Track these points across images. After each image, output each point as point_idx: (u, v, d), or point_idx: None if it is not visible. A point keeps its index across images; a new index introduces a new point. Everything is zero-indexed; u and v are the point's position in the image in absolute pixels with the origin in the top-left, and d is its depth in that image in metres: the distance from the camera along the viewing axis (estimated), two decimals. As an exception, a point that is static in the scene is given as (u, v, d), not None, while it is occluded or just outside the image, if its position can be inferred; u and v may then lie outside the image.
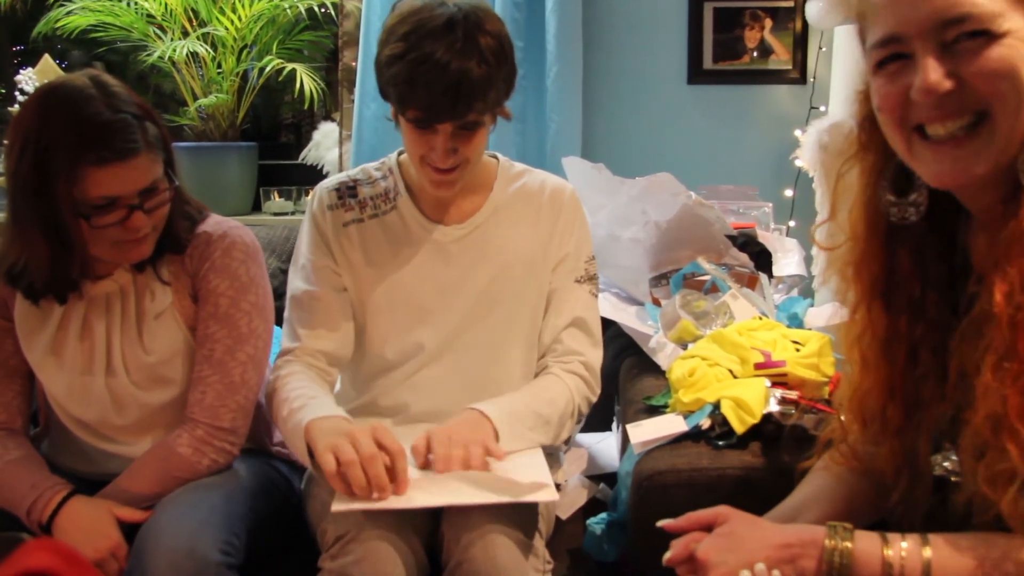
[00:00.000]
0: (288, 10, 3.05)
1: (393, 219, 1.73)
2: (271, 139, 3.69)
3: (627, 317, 2.14)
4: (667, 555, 1.18)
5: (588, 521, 1.66)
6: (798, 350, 1.67)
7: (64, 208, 1.49)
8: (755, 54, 2.93)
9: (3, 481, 1.60)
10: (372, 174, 1.77)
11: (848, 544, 1.07)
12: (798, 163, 2.68)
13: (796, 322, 1.98)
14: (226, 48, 3.01)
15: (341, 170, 2.93)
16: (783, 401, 1.55)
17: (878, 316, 1.17)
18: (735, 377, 1.64)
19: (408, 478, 1.42)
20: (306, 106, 3.12)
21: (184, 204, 1.67)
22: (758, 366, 1.63)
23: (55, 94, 1.50)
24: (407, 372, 1.72)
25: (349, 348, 1.74)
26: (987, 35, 0.97)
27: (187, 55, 2.97)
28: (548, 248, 1.74)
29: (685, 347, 1.83)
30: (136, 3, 3.03)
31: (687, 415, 1.59)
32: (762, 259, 2.23)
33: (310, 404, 1.55)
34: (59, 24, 3.04)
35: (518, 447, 1.56)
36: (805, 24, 2.86)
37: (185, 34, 3.03)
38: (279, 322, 1.78)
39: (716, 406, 1.55)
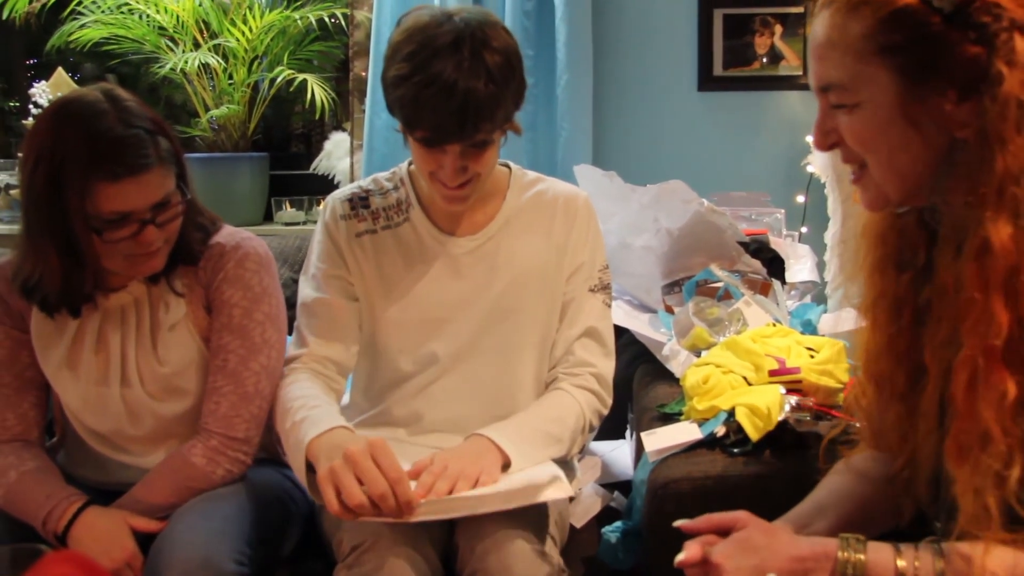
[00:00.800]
0: (299, 21, 3.07)
1: (406, 231, 1.72)
2: (282, 149, 3.70)
3: (640, 325, 2.14)
4: (680, 556, 1.18)
5: (603, 529, 1.65)
6: (812, 357, 1.66)
7: (77, 223, 1.49)
8: (765, 60, 2.92)
9: (19, 492, 1.61)
10: (384, 184, 1.77)
11: (861, 556, 1.07)
12: (810, 169, 2.67)
13: (810, 328, 1.98)
14: (237, 59, 3.03)
15: (352, 180, 2.94)
16: (798, 408, 1.54)
17: (890, 280, 1.20)
18: (749, 384, 1.63)
19: (413, 503, 1.39)
20: (317, 116, 3.14)
21: (197, 216, 1.68)
22: (772, 373, 1.63)
23: (68, 109, 1.51)
24: (421, 383, 1.71)
25: (355, 358, 1.73)
26: (845, 107, 1.10)
27: (198, 66, 2.99)
28: (562, 257, 1.73)
29: (699, 354, 1.83)
30: (148, 16, 3.05)
31: (701, 423, 1.59)
32: (775, 265, 2.22)
33: (310, 417, 1.52)
34: (72, 37, 3.06)
35: (531, 466, 1.54)
36: (816, 30, 2.85)
37: (196, 46, 3.05)
38: (292, 332, 1.78)
39: (731, 413, 1.54)
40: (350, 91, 3.00)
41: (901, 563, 1.05)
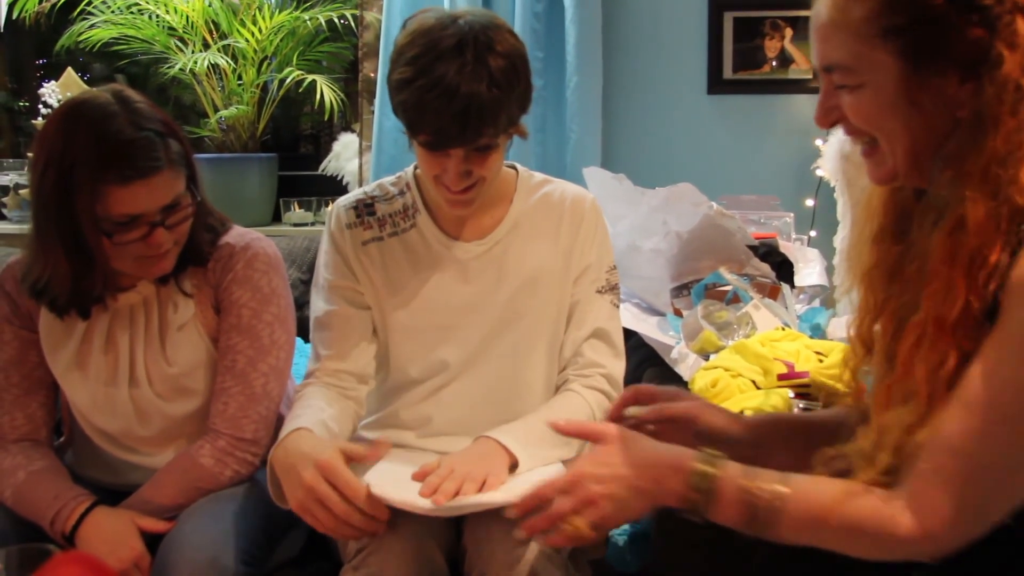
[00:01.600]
0: (308, 22, 3.07)
1: (413, 237, 1.71)
2: (291, 150, 3.70)
3: (649, 328, 2.13)
4: (513, 510, 1.23)
5: (611, 532, 1.65)
6: (821, 361, 1.66)
7: (86, 225, 1.49)
8: (775, 64, 2.92)
9: (27, 491, 1.61)
10: (389, 190, 1.75)
11: (713, 471, 1.11)
12: (819, 173, 2.67)
13: (818, 332, 1.98)
14: (246, 60, 3.03)
15: (361, 180, 2.94)
16: (807, 412, 1.54)
17: (885, 250, 1.22)
18: (758, 388, 1.63)
19: (380, 516, 1.41)
20: (326, 117, 3.13)
21: (207, 216, 1.68)
22: (781, 377, 1.63)
23: (78, 111, 1.51)
24: (430, 388, 1.70)
25: (373, 363, 1.72)
26: (847, 87, 1.11)
27: (208, 67, 2.99)
28: (570, 259, 1.73)
29: (707, 358, 1.82)
30: (158, 16, 3.05)
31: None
32: (784, 269, 2.22)
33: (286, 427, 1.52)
34: (82, 37, 3.06)
35: (539, 466, 1.54)
36: (826, 33, 2.85)
37: (206, 46, 3.06)
38: (301, 333, 1.78)
39: (739, 417, 1.54)
40: (359, 92, 3.00)
41: (744, 482, 1.10)
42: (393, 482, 1.44)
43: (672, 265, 2.17)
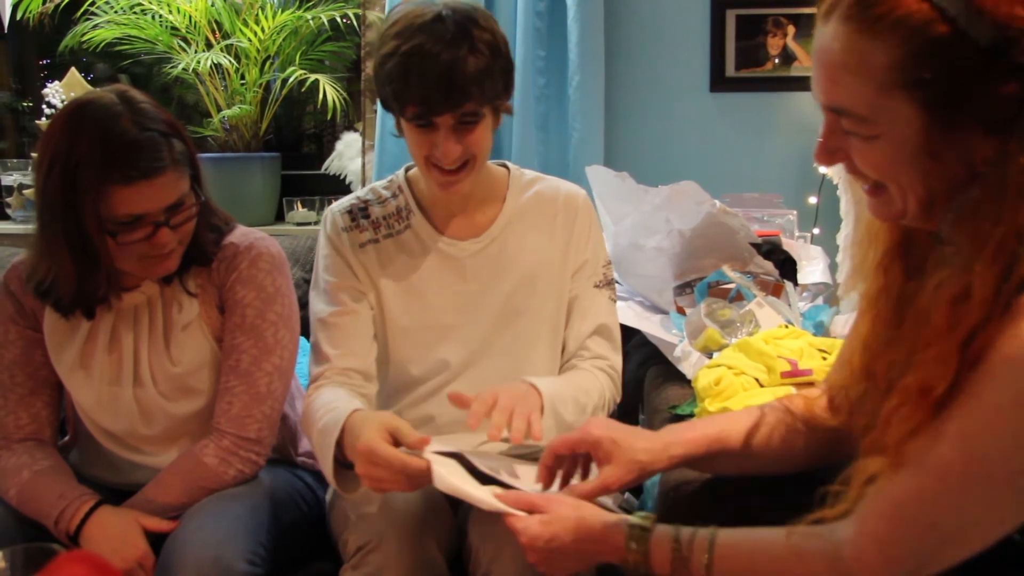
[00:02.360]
0: (311, 21, 3.07)
1: (408, 238, 1.72)
2: (294, 149, 3.71)
3: (651, 326, 2.13)
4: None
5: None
6: (825, 359, 1.66)
7: (91, 225, 1.50)
8: (778, 61, 2.92)
9: (31, 491, 1.61)
10: (382, 193, 1.76)
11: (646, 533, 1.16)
12: (822, 170, 2.66)
13: (822, 330, 1.97)
14: (249, 59, 3.03)
15: (364, 180, 2.95)
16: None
17: (893, 277, 1.18)
18: (761, 386, 1.63)
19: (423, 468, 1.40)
20: (329, 116, 3.14)
21: (211, 216, 1.68)
22: (785, 375, 1.62)
23: (83, 111, 1.51)
24: (432, 388, 1.71)
25: (375, 366, 1.72)
26: (859, 136, 1.03)
27: (211, 67, 2.99)
28: (566, 254, 1.74)
29: (710, 356, 1.82)
30: (161, 16, 3.06)
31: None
32: (787, 267, 2.22)
33: (332, 415, 1.50)
34: (85, 38, 3.07)
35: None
36: (828, 31, 2.84)
37: (209, 46, 3.06)
38: (304, 332, 1.78)
39: (743, 415, 1.53)
40: (362, 91, 3.00)
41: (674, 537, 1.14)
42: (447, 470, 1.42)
43: (675, 263, 2.17)
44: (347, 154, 3.12)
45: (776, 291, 2.06)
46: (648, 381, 2.04)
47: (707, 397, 1.62)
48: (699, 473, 1.46)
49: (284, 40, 3.09)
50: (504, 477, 1.39)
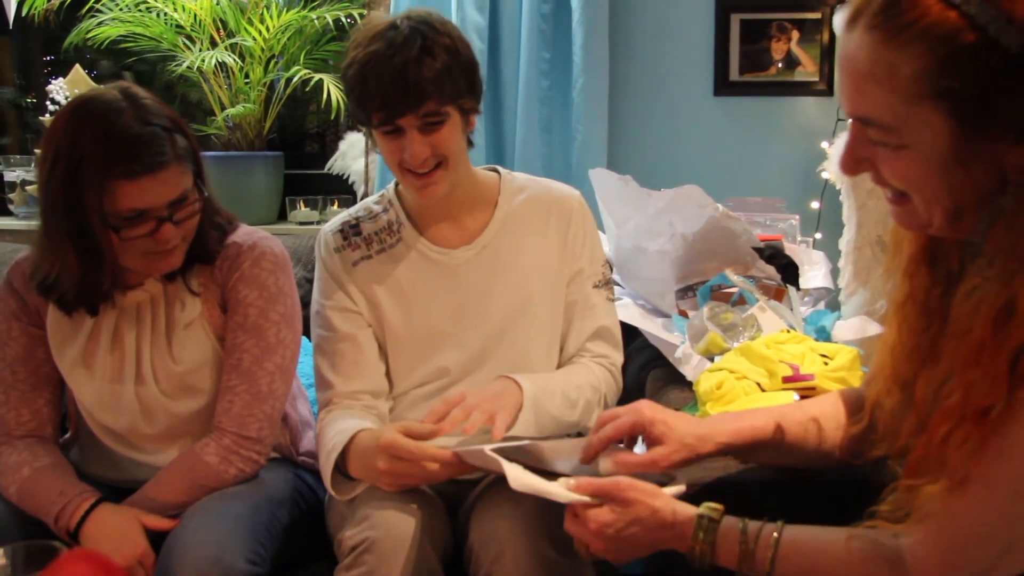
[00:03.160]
0: (315, 21, 3.07)
1: (400, 251, 1.73)
2: (297, 149, 3.71)
3: (653, 327, 2.13)
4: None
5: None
6: (826, 363, 1.66)
7: (94, 220, 1.50)
8: (782, 66, 2.92)
9: (32, 488, 1.62)
10: (373, 208, 1.77)
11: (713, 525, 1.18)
12: (825, 175, 2.67)
13: (824, 335, 1.97)
14: (254, 58, 3.03)
15: (367, 180, 2.95)
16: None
17: (921, 282, 1.17)
18: (763, 390, 1.63)
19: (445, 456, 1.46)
20: (332, 116, 3.13)
21: (214, 215, 1.68)
22: (786, 379, 1.62)
23: (86, 107, 1.51)
24: (432, 392, 1.72)
25: (386, 381, 1.74)
26: (887, 146, 1.02)
27: (215, 65, 2.99)
28: (562, 257, 1.75)
29: (712, 359, 1.82)
30: (166, 14, 3.06)
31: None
32: (789, 271, 2.22)
33: (336, 444, 1.56)
34: (90, 35, 3.07)
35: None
36: (832, 36, 2.85)
37: (213, 44, 3.06)
38: (306, 332, 1.78)
39: (744, 420, 1.53)
40: (365, 92, 2.99)
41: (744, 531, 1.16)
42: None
43: (678, 267, 2.17)
44: (350, 154, 3.12)
45: (778, 295, 2.06)
46: (649, 384, 2.04)
47: (708, 401, 1.62)
48: (700, 476, 1.47)
49: (288, 39, 3.09)
50: (555, 464, 1.42)
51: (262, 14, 3.00)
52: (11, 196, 3.29)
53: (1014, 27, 0.93)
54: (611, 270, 1.90)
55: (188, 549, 1.47)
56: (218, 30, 3.08)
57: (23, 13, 3.13)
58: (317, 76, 3.00)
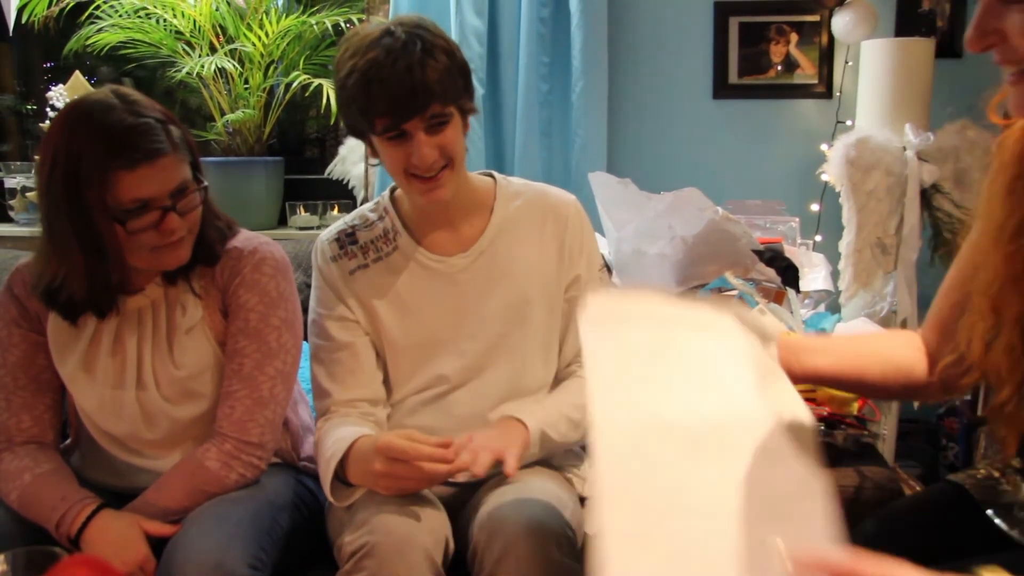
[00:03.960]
0: (315, 26, 3.07)
1: (397, 259, 1.73)
2: (297, 154, 3.71)
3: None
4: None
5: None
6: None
7: (98, 216, 1.50)
8: (781, 68, 2.92)
9: (33, 494, 1.61)
10: (368, 217, 1.77)
11: None
12: (824, 178, 2.67)
13: (824, 338, 1.97)
14: (253, 64, 3.04)
15: (367, 184, 2.95)
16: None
17: (1019, 202, 1.12)
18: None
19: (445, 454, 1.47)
20: (332, 121, 3.14)
21: (214, 219, 1.68)
22: (786, 382, 1.62)
23: (78, 109, 1.52)
24: (430, 399, 1.72)
25: (383, 389, 1.74)
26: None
27: (215, 71, 3.00)
28: (559, 263, 1.74)
29: (712, 362, 1.82)
30: (165, 20, 3.06)
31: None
32: (789, 274, 2.22)
33: (335, 453, 1.57)
34: (90, 41, 3.07)
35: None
36: (831, 38, 2.85)
37: (213, 50, 3.06)
38: (307, 337, 1.78)
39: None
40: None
41: None
42: None
43: (678, 270, 2.17)
44: (350, 159, 3.12)
45: (778, 298, 2.06)
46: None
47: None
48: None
49: (288, 45, 3.09)
50: None
51: (261, 20, 3.01)
52: (11, 202, 3.29)
53: None
54: (609, 274, 1.90)
55: (189, 555, 1.47)
56: (217, 36, 3.08)
57: (23, 20, 3.13)
58: (316, 81, 3.00)
